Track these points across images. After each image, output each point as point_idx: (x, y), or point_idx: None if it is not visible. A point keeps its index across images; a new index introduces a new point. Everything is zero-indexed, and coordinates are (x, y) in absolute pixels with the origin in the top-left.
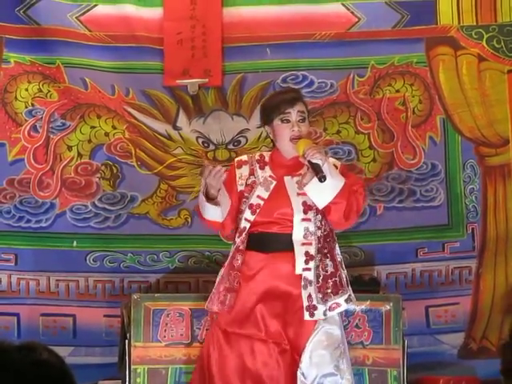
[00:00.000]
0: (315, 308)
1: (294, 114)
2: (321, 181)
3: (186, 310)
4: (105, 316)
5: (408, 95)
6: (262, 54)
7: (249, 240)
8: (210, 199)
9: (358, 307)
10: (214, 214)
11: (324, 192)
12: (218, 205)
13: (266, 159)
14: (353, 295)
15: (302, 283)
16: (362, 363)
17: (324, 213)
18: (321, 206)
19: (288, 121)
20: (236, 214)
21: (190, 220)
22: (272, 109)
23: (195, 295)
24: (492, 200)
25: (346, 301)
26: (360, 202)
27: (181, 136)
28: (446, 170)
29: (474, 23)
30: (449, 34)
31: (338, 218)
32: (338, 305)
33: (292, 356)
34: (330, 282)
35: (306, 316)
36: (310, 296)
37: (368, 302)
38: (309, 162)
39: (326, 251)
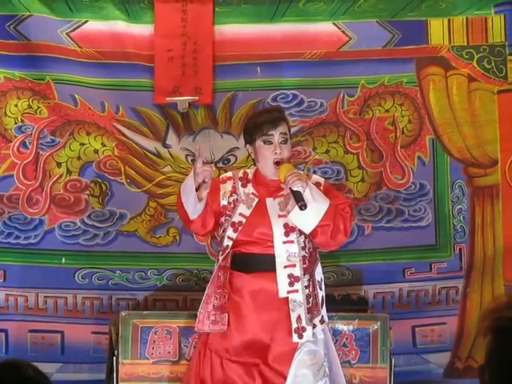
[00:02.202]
0: (304, 329)
1: (276, 135)
2: (301, 209)
3: (173, 327)
4: (93, 333)
5: (397, 115)
6: (253, 73)
7: (232, 260)
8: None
9: (345, 326)
10: (191, 205)
11: (308, 218)
12: (200, 200)
13: (250, 176)
14: (325, 316)
15: (290, 306)
16: (349, 382)
17: (310, 235)
18: (307, 231)
19: (270, 142)
20: (214, 218)
21: (178, 238)
22: (255, 129)
23: (183, 313)
24: (480, 220)
25: (321, 321)
26: (347, 222)
27: (170, 154)
28: (434, 190)
29: (465, 43)
30: (439, 53)
31: (325, 240)
32: (315, 325)
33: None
34: (315, 303)
35: (295, 338)
36: (299, 318)
37: (356, 322)
38: (290, 189)
39: (310, 271)
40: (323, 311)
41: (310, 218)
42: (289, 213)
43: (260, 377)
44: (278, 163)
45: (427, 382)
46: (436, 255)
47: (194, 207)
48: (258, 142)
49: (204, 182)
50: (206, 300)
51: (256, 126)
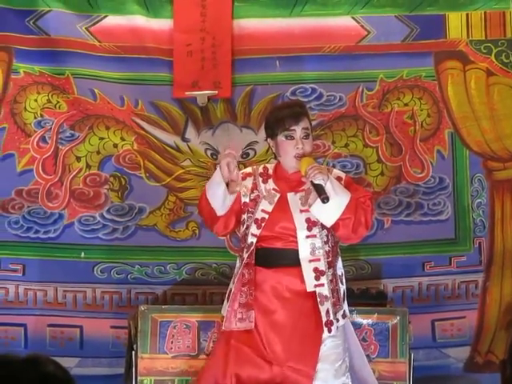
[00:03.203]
0: (332, 323)
1: (298, 131)
2: (324, 202)
3: (192, 321)
4: (112, 327)
5: (416, 109)
6: (272, 67)
7: (254, 255)
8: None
9: (364, 320)
10: (219, 199)
11: (330, 211)
12: (231, 193)
13: (270, 172)
14: (347, 310)
15: (318, 299)
16: None
17: (331, 228)
18: (329, 224)
19: (292, 137)
20: (235, 218)
21: (197, 232)
22: (276, 124)
23: (202, 307)
24: (499, 214)
25: (343, 316)
26: (368, 214)
27: (189, 148)
28: (453, 184)
29: (483, 37)
30: (458, 48)
31: (346, 233)
32: (338, 320)
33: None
34: (337, 297)
35: (326, 332)
36: (327, 312)
37: (375, 316)
38: (311, 182)
39: (333, 265)
40: (345, 306)
41: (331, 211)
42: (310, 206)
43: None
44: (299, 157)
45: (447, 377)
46: (455, 249)
47: (222, 202)
48: (280, 137)
49: (232, 180)
50: (232, 298)
51: (278, 121)
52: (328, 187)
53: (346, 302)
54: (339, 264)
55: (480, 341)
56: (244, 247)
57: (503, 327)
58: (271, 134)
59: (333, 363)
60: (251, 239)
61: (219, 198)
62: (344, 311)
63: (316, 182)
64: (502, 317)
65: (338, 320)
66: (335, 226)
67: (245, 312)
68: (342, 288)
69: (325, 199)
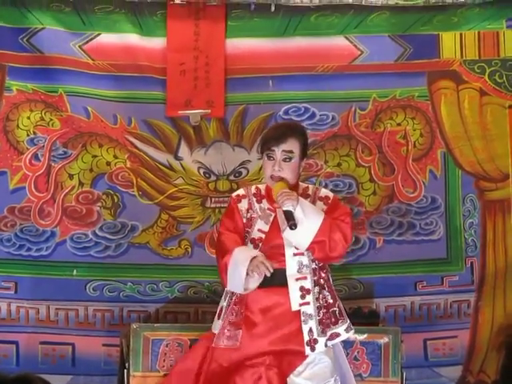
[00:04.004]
0: (316, 341)
1: (278, 152)
2: (291, 228)
3: (184, 340)
4: (104, 345)
5: (409, 129)
6: (265, 86)
7: None
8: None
9: (357, 337)
10: (237, 287)
11: (301, 236)
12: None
13: (263, 192)
14: (351, 324)
15: (302, 318)
16: None
17: (309, 251)
18: (303, 248)
19: (272, 158)
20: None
21: (190, 250)
22: (263, 144)
23: (194, 325)
24: (491, 234)
25: (346, 330)
26: (347, 230)
27: (182, 166)
28: (445, 204)
29: (477, 57)
30: (451, 67)
31: (323, 255)
32: (338, 335)
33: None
34: (330, 313)
35: (307, 351)
36: (310, 330)
37: (367, 335)
38: (281, 208)
39: (322, 282)
40: (345, 321)
41: (302, 235)
42: (283, 231)
43: (265, 375)
44: (273, 178)
45: None
46: (447, 269)
47: (236, 288)
48: (264, 156)
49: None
50: (223, 316)
51: (263, 141)
52: (298, 213)
53: (346, 317)
54: (331, 281)
55: (472, 360)
56: None
57: (495, 348)
58: (260, 152)
59: (323, 381)
60: None
61: (234, 284)
62: (349, 324)
63: (285, 208)
64: (493, 337)
65: (338, 335)
66: (311, 249)
67: (233, 331)
68: (341, 303)
69: (292, 226)
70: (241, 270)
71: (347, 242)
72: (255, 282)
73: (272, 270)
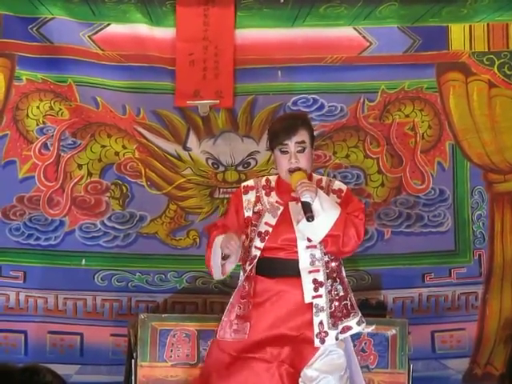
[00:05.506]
0: (326, 334)
1: (291, 145)
2: (308, 220)
3: (192, 330)
4: (112, 335)
5: (417, 121)
6: (274, 77)
7: (256, 265)
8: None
9: (365, 329)
10: (216, 271)
11: (317, 229)
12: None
13: (272, 184)
14: (362, 317)
15: (314, 310)
16: None
17: (321, 244)
18: (316, 241)
19: (286, 152)
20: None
21: (198, 241)
22: (272, 138)
23: (202, 316)
24: (499, 226)
25: (358, 323)
26: (359, 228)
27: (190, 157)
28: (453, 196)
29: (486, 49)
30: (460, 59)
31: (336, 250)
32: (349, 328)
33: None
34: (342, 306)
35: (317, 343)
36: (321, 323)
37: (374, 326)
38: (299, 199)
39: (335, 275)
40: (356, 314)
41: (318, 228)
42: (298, 222)
43: (278, 372)
44: (290, 171)
45: None
46: (455, 261)
47: (217, 273)
48: (276, 151)
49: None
50: (229, 308)
51: (273, 135)
52: (316, 205)
53: (358, 310)
54: (343, 273)
55: (479, 352)
56: (247, 259)
57: (502, 340)
58: (270, 146)
59: (335, 372)
60: (255, 252)
61: (214, 268)
62: (361, 317)
63: (303, 199)
64: (501, 330)
65: (350, 328)
66: (324, 243)
67: (241, 324)
68: (352, 295)
69: (309, 218)
70: (218, 253)
71: (360, 238)
72: (231, 264)
73: (238, 243)
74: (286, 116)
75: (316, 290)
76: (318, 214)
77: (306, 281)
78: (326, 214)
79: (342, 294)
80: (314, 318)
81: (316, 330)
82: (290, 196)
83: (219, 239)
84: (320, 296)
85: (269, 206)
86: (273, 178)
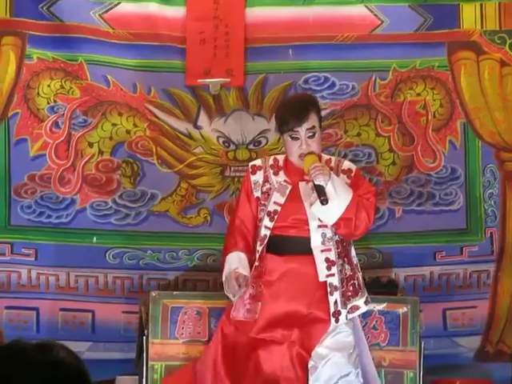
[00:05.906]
0: (339, 313)
1: (302, 132)
2: (322, 204)
3: (203, 308)
4: (123, 312)
5: (429, 99)
6: (285, 55)
7: (267, 242)
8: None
9: (375, 308)
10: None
11: (330, 212)
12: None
13: (280, 163)
14: (369, 297)
15: (328, 289)
16: (378, 364)
17: (333, 227)
18: (329, 224)
19: (297, 138)
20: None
21: (209, 219)
22: (281, 123)
23: (213, 294)
24: (511, 205)
25: (365, 302)
26: (370, 209)
27: (201, 135)
28: (465, 174)
29: (497, 28)
30: (471, 38)
31: (347, 232)
32: (357, 307)
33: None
34: (350, 286)
35: (333, 322)
36: (336, 302)
37: (385, 304)
38: (312, 182)
39: (343, 255)
40: (364, 294)
41: (331, 211)
42: (311, 204)
43: (288, 353)
44: (301, 156)
45: (457, 366)
46: (467, 239)
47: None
48: (286, 137)
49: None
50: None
51: (282, 121)
52: (329, 188)
53: (365, 288)
54: (352, 253)
55: (491, 330)
56: (258, 239)
57: None
58: (279, 130)
59: (344, 350)
60: (264, 232)
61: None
62: (367, 297)
63: (317, 182)
64: None
65: (357, 307)
66: (336, 225)
67: (253, 303)
68: (360, 275)
69: (324, 201)
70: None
71: (370, 221)
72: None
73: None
74: (294, 100)
75: (329, 268)
76: (332, 197)
77: (319, 260)
78: (339, 198)
79: (349, 273)
80: (329, 296)
81: (332, 308)
82: (299, 176)
83: (233, 258)
84: (333, 275)
85: (277, 185)
86: (281, 158)
